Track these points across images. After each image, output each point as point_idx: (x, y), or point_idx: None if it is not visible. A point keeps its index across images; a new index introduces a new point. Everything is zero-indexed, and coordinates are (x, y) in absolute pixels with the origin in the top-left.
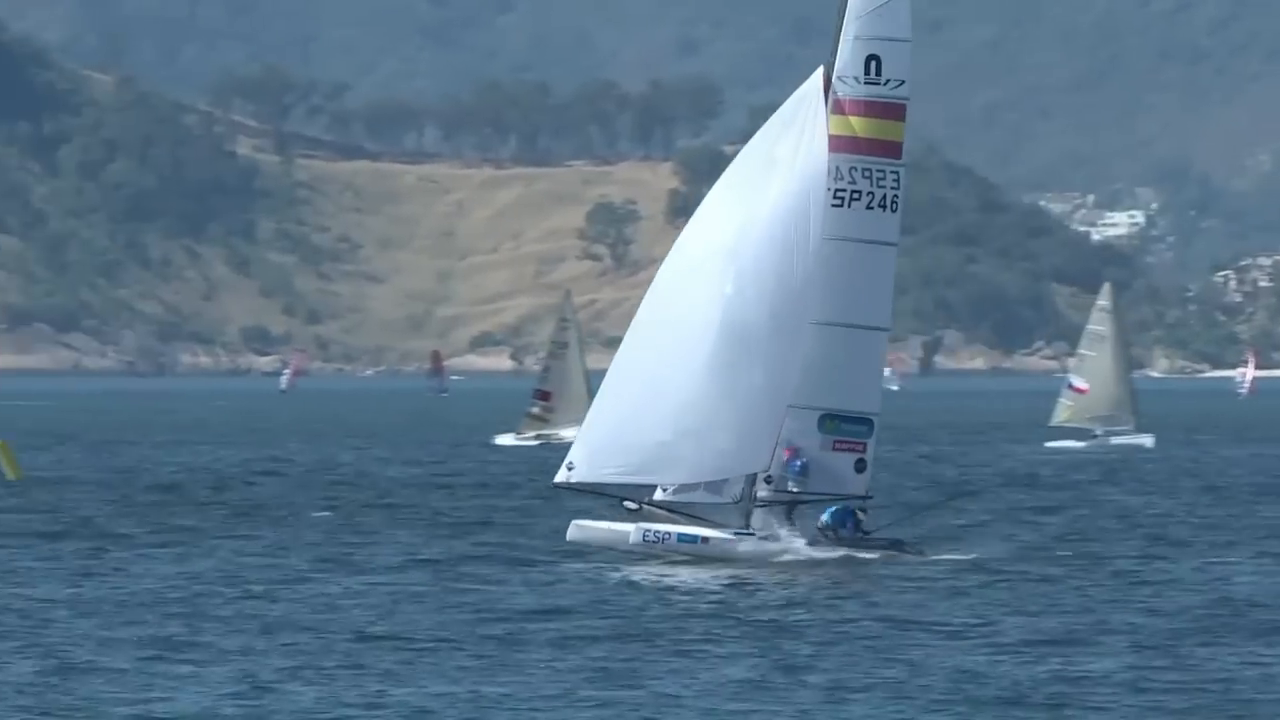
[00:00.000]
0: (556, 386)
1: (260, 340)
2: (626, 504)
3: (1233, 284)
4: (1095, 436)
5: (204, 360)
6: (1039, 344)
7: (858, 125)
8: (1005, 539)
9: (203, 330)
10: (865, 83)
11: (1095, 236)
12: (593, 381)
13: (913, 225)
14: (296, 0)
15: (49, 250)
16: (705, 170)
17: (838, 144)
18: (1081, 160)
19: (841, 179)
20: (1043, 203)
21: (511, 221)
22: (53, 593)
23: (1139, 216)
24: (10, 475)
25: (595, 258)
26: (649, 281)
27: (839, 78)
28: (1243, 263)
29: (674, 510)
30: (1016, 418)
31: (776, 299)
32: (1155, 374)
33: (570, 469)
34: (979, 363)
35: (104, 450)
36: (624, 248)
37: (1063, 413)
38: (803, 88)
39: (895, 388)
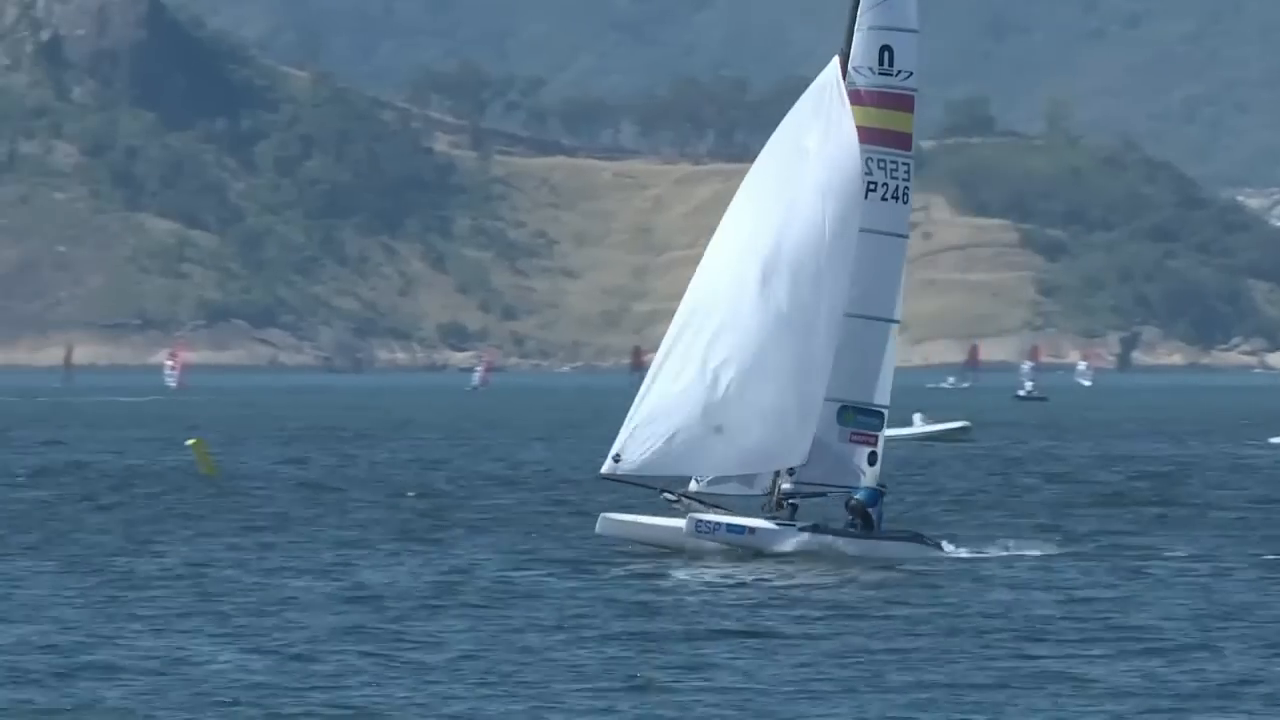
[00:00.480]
0: None
1: (456, 336)
2: (665, 496)
3: None
4: None
5: (400, 356)
6: (1236, 340)
7: (874, 116)
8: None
9: (399, 326)
10: (879, 73)
11: None
12: None
13: (1110, 221)
14: None
15: (246, 247)
16: None
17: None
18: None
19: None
20: (1241, 198)
21: (708, 217)
22: None
23: None
24: (204, 472)
25: None
26: None
27: (854, 68)
28: None
29: (705, 502)
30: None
31: (815, 292)
32: None
33: (617, 460)
34: (1177, 359)
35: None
36: None
37: None
38: (822, 77)
39: (1088, 383)
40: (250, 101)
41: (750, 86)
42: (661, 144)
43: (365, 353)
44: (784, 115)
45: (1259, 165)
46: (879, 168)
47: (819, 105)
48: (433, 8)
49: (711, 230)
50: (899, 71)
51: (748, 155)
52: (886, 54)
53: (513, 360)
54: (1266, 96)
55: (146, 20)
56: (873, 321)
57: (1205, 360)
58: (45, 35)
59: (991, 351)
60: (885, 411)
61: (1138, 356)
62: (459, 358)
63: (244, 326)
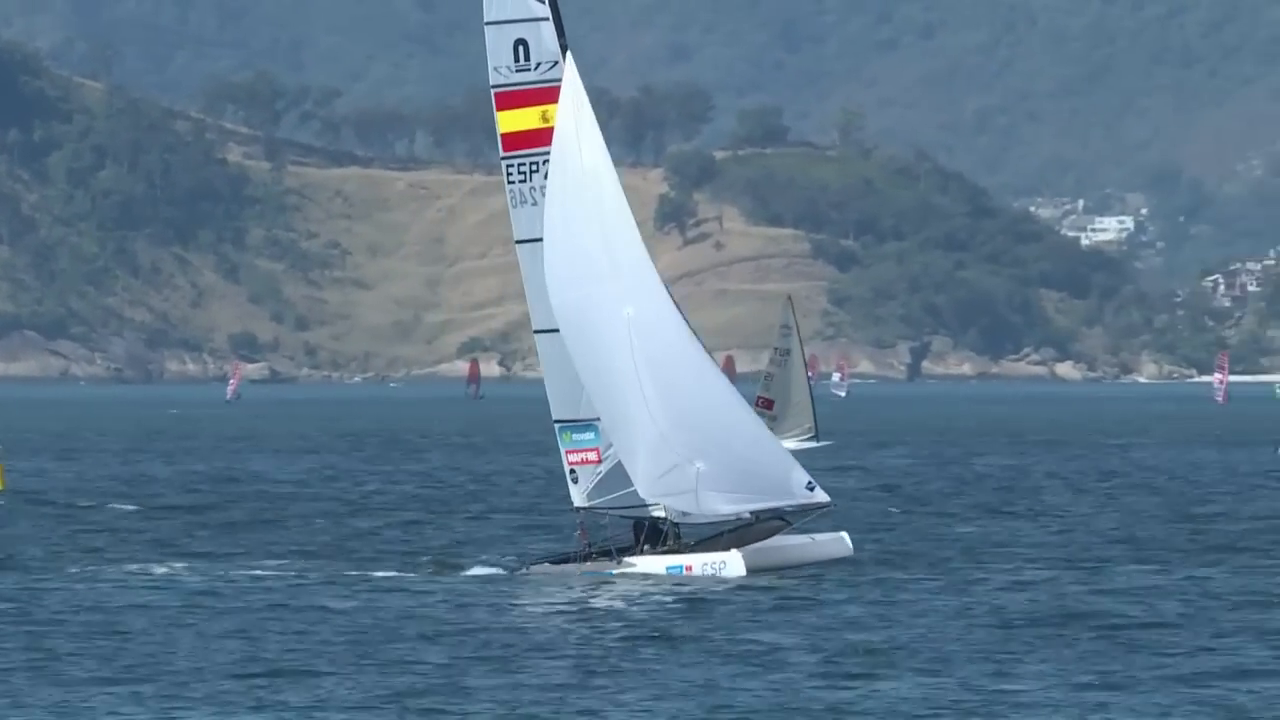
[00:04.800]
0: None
1: (248, 347)
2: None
3: (1221, 289)
4: None
5: (191, 368)
6: (1026, 350)
7: (535, 116)
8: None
9: (191, 337)
10: (517, 69)
11: (1084, 242)
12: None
13: (901, 231)
14: (286, 7)
15: (38, 258)
16: (695, 175)
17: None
18: (1071, 165)
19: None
20: (1032, 208)
21: (501, 228)
22: None
23: (1128, 222)
24: None
25: None
26: None
27: (494, 68)
28: (1231, 268)
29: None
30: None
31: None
32: (1143, 379)
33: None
34: (966, 369)
35: None
36: None
37: None
38: (572, 81)
39: (843, 394)
40: (43, 112)
41: None
42: (455, 154)
43: (156, 364)
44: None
45: (1050, 175)
46: (534, 172)
47: (582, 117)
48: (226, 18)
49: (504, 240)
50: (538, 64)
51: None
52: (521, 48)
53: (305, 371)
54: (1057, 107)
55: None
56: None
57: (995, 370)
58: None
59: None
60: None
61: (928, 366)
62: (251, 369)
63: (35, 338)
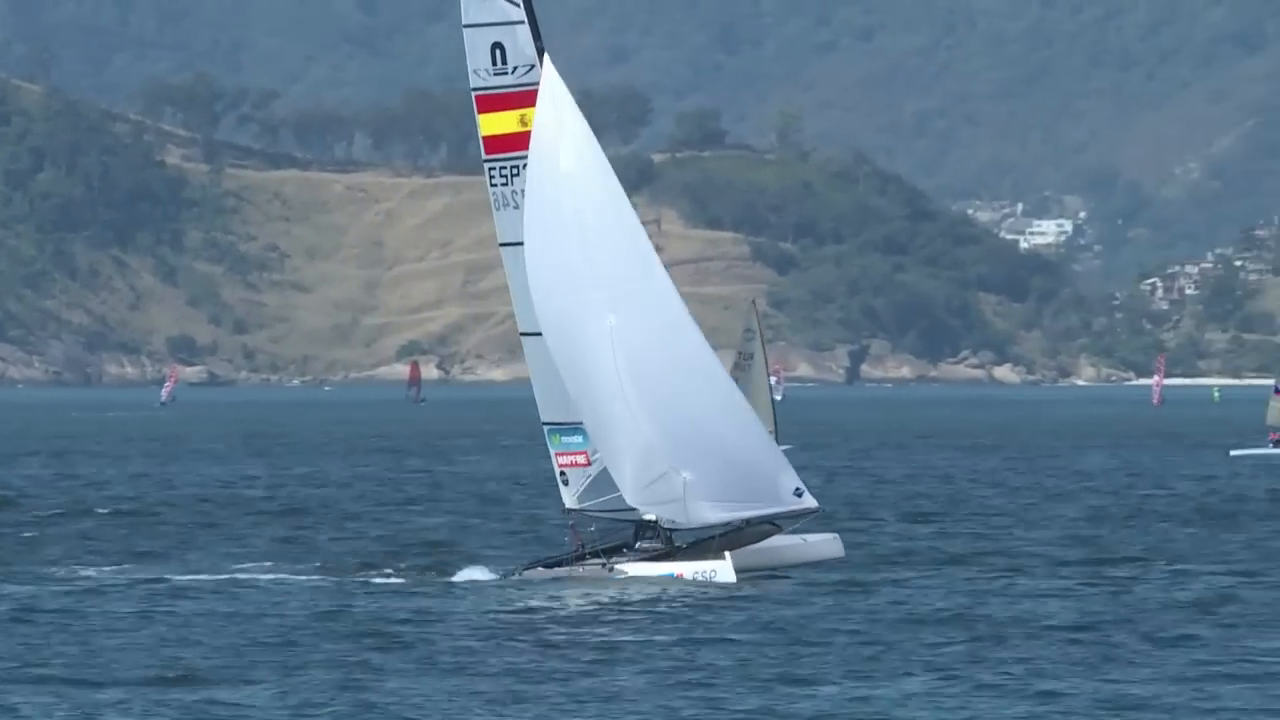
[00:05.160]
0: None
1: (186, 350)
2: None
3: (1159, 292)
4: None
5: (130, 371)
6: (965, 353)
7: (515, 120)
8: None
9: (129, 340)
10: (495, 73)
11: (1023, 245)
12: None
13: (840, 233)
14: (226, 9)
15: None
16: (633, 178)
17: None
18: (1009, 168)
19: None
20: (970, 211)
21: (440, 231)
22: None
23: (1066, 225)
24: None
25: None
26: None
27: (473, 71)
28: (1169, 271)
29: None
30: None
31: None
32: (1081, 382)
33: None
34: (905, 371)
35: None
36: None
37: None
38: (551, 82)
39: (779, 397)
40: None
41: None
42: (394, 157)
43: (95, 367)
44: None
45: (989, 178)
46: (515, 175)
47: (560, 119)
48: (165, 20)
49: (443, 244)
50: (515, 68)
51: (480, 168)
52: (498, 51)
53: (243, 374)
54: (996, 110)
55: None
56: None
57: (934, 373)
58: None
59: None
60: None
61: (866, 369)
62: (190, 372)
63: None
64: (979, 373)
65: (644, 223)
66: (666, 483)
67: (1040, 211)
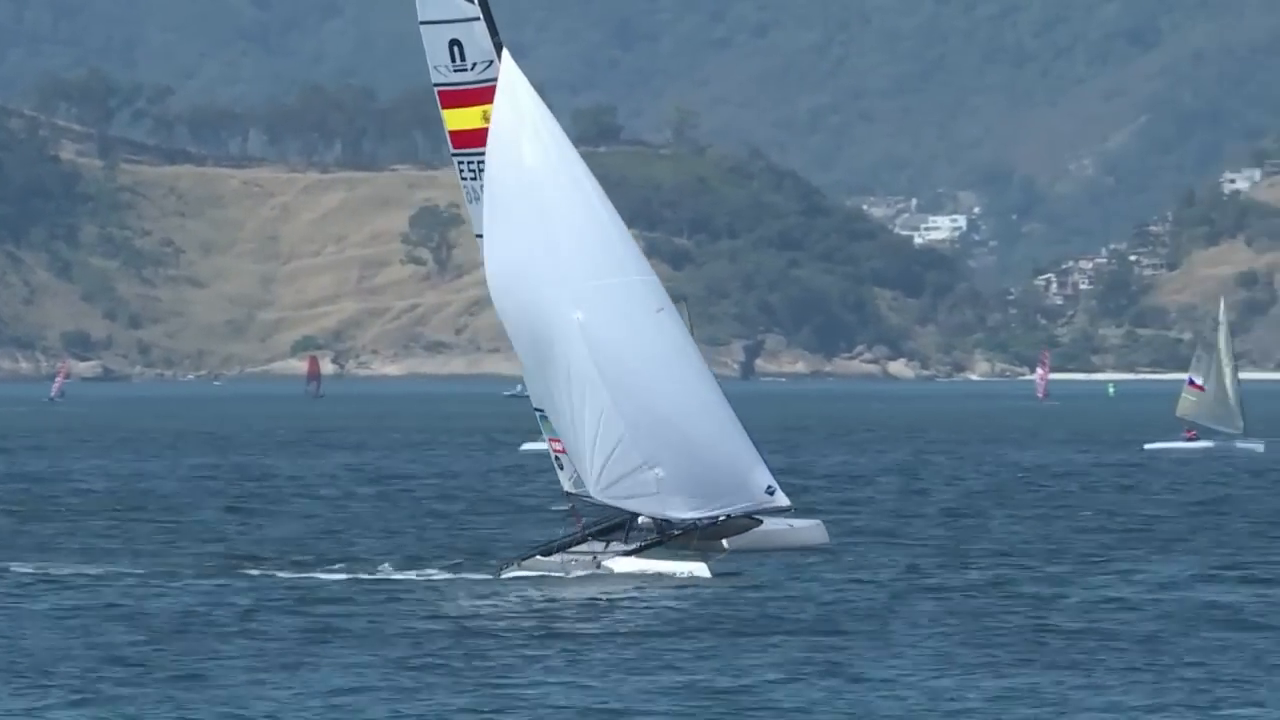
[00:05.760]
0: None
1: (81, 345)
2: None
3: (1054, 288)
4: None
5: (24, 366)
6: (860, 348)
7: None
8: None
9: (23, 335)
10: (455, 69)
11: (917, 240)
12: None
13: (735, 229)
14: (121, 4)
15: None
16: None
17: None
18: (904, 164)
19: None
20: (865, 206)
21: (335, 226)
22: None
23: (961, 220)
24: None
25: (418, 262)
26: (473, 285)
27: (434, 67)
28: (1064, 266)
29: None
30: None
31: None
32: (975, 377)
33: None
34: (800, 367)
35: None
36: (447, 252)
37: (1183, 406)
38: (510, 77)
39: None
40: None
41: (377, 94)
42: (289, 152)
43: None
44: (410, 124)
45: (883, 174)
46: (483, 170)
47: (521, 114)
48: (60, 16)
49: (338, 238)
50: (474, 64)
51: (375, 163)
52: (456, 48)
53: (138, 369)
54: (890, 106)
55: None
56: None
57: (829, 368)
58: None
59: None
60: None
61: (761, 364)
62: (83, 367)
63: None
64: (874, 368)
65: None
66: (639, 478)
67: (935, 207)
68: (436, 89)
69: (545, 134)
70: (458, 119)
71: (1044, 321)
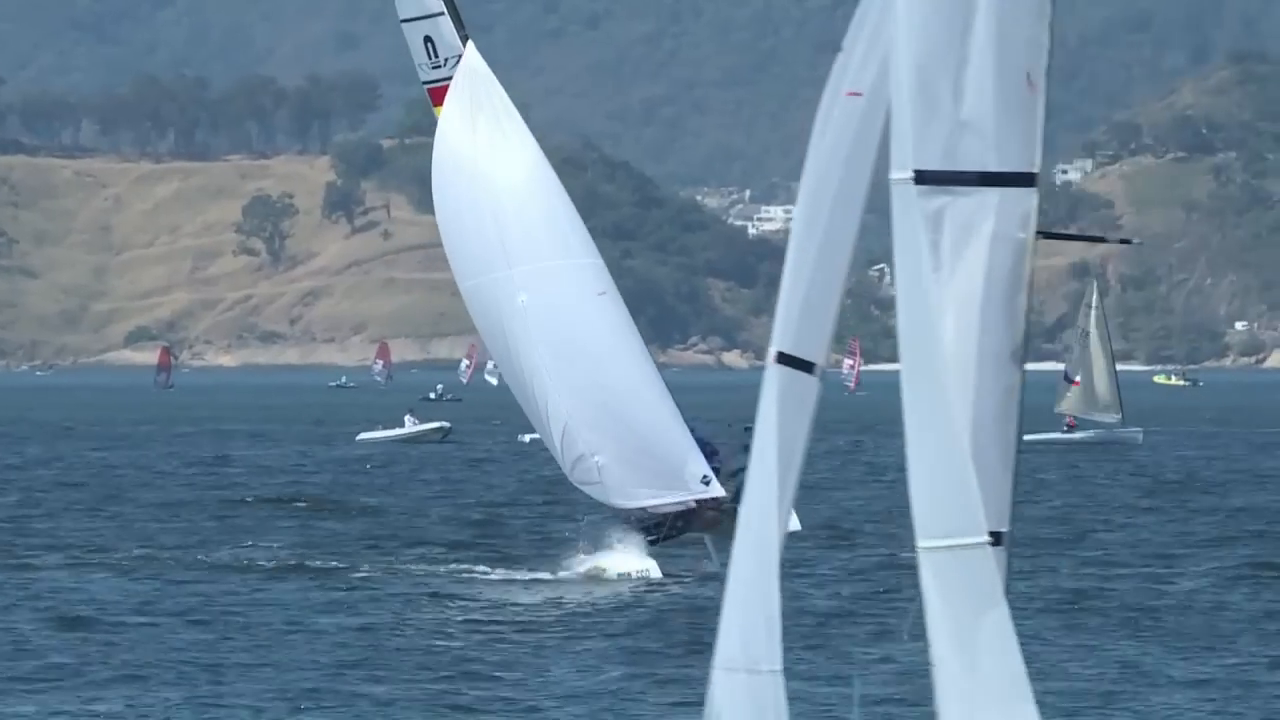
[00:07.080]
0: None
1: None
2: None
3: (887, 279)
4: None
5: None
6: (694, 339)
7: None
8: None
9: None
10: (433, 67)
11: (751, 231)
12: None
13: None
14: None
15: None
16: (362, 164)
17: None
18: (738, 155)
19: None
20: (699, 197)
21: (168, 216)
22: None
23: (794, 211)
24: None
25: (252, 252)
26: (306, 275)
27: (419, 65)
28: None
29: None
30: None
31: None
32: None
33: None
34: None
35: None
36: (281, 242)
37: (1066, 403)
38: (470, 64)
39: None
40: None
41: (210, 85)
42: (122, 143)
43: None
44: (244, 114)
45: (716, 165)
46: None
47: (480, 101)
48: None
49: (172, 229)
50: (446, 60)
51: (208, 154)
52: (430, 45)
53: None
54: (723, 97)
55: None
56: None
57: (663, 359)
58: None
59: (454, 350)
60: None
61: None
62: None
63: None
64: (708, 358)
65: (373, 208)
66: (585, 465)
67: (768, 198)
68: (425, 87)
69: (503, 115)
70: None
71: (877, 312)
